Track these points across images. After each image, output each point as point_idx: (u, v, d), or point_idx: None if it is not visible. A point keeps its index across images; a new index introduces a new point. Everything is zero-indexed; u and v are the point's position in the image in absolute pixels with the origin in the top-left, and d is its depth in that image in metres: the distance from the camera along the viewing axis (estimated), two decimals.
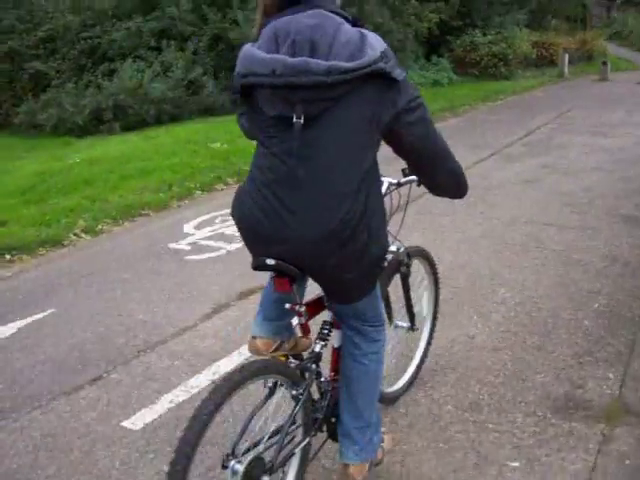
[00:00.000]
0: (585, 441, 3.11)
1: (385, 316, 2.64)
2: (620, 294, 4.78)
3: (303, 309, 2.41)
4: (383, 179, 2.73)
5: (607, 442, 3.11)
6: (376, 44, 2.05)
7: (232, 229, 6.46)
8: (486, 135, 11.54)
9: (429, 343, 3.66)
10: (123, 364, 4.05)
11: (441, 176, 2.43)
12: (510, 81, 20.40)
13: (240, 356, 4.04)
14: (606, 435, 3.16)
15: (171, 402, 3.61)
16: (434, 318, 3.66)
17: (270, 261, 2.22)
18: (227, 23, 14.43)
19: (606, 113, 14.03)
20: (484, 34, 20.87)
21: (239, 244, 6.01)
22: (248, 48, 2.13)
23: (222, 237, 6.31)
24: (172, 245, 6.16)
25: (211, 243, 6.17)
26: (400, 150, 2.29)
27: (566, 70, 23.75)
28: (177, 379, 3.84)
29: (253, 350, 2.69)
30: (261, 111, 2.13)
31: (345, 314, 2.49)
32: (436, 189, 2.57)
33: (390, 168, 2.99)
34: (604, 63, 24.14)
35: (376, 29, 15.99)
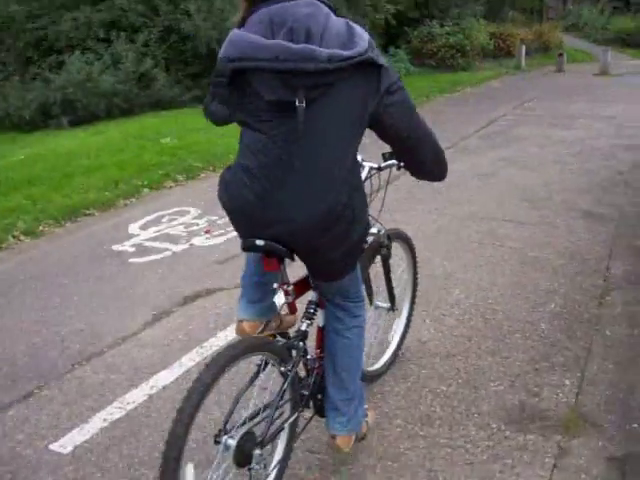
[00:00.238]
0: (541, 455, 2.95)
1: (364, 293, 2.76)
2: (577, 293, 4.65)
3: (291, 288, 2.50)
4: (364, 164, 2.88)
5: (563, 455, 2.95)
6: (363, 35, 2.18)
7: (179, 229, 6.22)
8: (444, 127, 11.30)
9: (408, 324, 3.80)
10: (56, 379, 3.79)
11: (424, 159, 2.53)
12: (468, 72, 20.34)
13: (181, 367, 3.82)
14: (563, 448, 3.00)
15: (104, 421, 3.37)
16: (412, 300, 3.80)
17: (260, 242, 2.30)
18: (179, 14, 14.06)
19: (564, 105, 14.01)
20: (442, 25, 20.74)
21: (185, 245, 5.78)
22: (240, 33, 2.17)
23: (168, 238, 6.03)
24: (115, 247, 5.87)
25: (156, 244, 5.89)
26: (384, 134, 2.39)
27: (523, 62, 23.80)
28: (112, 395, 3.60)
29: (240, 333, 2.80)
30: (254, 95, 2.17)
31: (329, 292, 2.61)
32: (419, 172, 2.65)
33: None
34: (560, 55, 24.25)
35: None
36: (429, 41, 20.38)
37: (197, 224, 6.38)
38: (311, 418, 2.86)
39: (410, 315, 3.79)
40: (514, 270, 5.08)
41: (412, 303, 3.80)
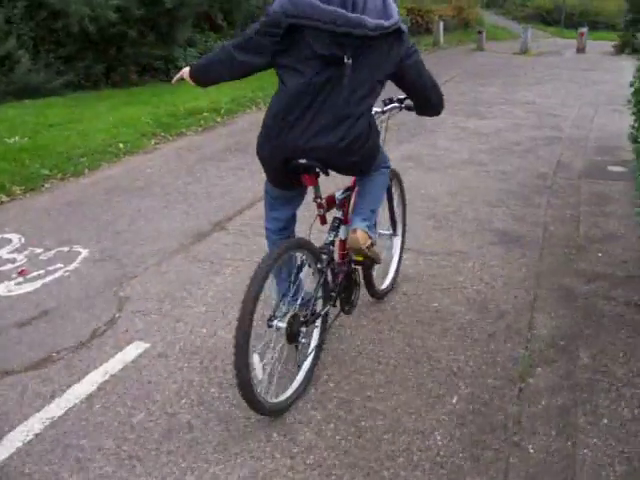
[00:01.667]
0: None
1: (386, 153, 3.43)
2: (490, 375, 3.35)
3: (324, 201, 3.25)
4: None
5: None
6: (395, 7, 2.82)
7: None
8: None
9: (403, 247, 4.37)
10: None
11: (431, 98, 3.19)
12: None
13: None
14: None
15: None
16: (404, 225, 4.36)
17: (303, 161, 2.93)
18: None
19: (482, 87, 12.85)
20: None
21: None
22: None
23: None
24: None
25: None
26: (403, 85, 3.10)
27: (442, 39, 22.69)
28: None
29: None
30: (306, 47, 2.73)
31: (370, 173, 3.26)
32: (425, 109, 3.32)
33: None
34: (480, 32, 23.30)
35: None
36: None
37: (14, 260, 4.86)
38: (338, 314, 3.53)
39: (404, 239, 4.37)
40: (404, 335, 3.75)
41: (404, 228, 4.37)
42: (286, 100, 2.82)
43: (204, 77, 3.20)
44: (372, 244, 3.26)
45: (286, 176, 3.10)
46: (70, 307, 4.13)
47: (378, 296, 4.08)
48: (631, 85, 6.55)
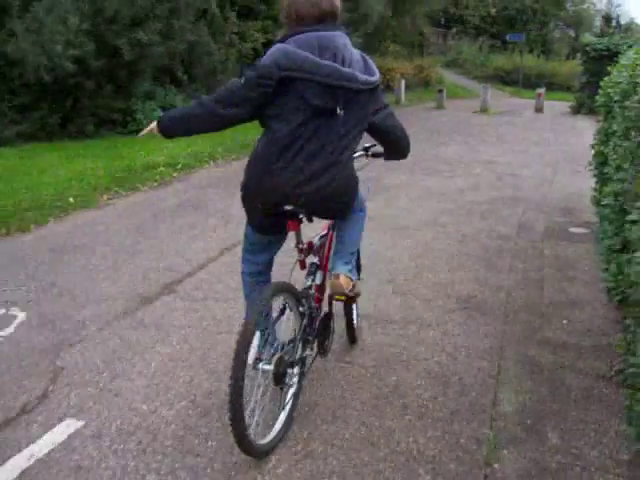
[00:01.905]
0: None
1: (365, 198, 3.55)
2: (452, 460, 3.09)
3: (305, 246, 3.40)
4: None
5: None
6: (374, 64, 3.05)
7: None
8: None
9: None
10: None
11: (402, 143, 3.38)
12: None
13: None
14: None
15: None
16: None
17: (288, 207, 3.05)
18: (5, 35, 11.95)
19: (442, 146, 12.86)
20: None
21: None
22: (295, 49, 2.84)
23: None
24: None
25: None
26: (378, 132, 3.24)
27: (403, 97, 22.91)
28: None
29: None
30: (298, 98, 2.87)
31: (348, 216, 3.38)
32: (395, 154, 3.46)
33: None
34: (440, 91, 23.61)
35: (191, 49, 14.10)
36: None
37: None
38: (315, 356, 3.53)
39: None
40: (359, 413, 3.48)
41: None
42: (276, 146, 2.94)
43: (175, 129, 3.17)
44: (354, 286, 3.42)
45: (270, 221, 3.22)
46: None
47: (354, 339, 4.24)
48: (592, 147, 6.50)
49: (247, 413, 2.90)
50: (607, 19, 48.37)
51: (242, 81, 2.91)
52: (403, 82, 23.17)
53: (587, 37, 28.28)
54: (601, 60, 21.53)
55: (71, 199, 7.70)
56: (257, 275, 3.51)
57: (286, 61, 2.81)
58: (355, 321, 4.22)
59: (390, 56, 29.82)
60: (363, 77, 2.91)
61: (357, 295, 3.64)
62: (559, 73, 34.96)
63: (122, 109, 12.64)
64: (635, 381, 3.07)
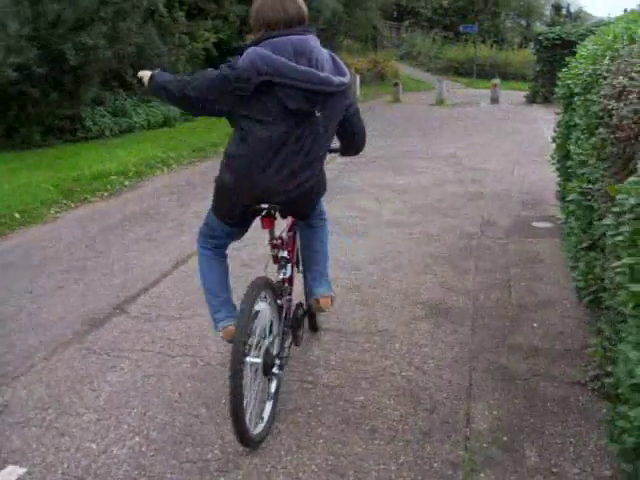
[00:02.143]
0: None
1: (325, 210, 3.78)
2: None
3: (280, 242, 3.54)
4: None
5: None
6: (343, 64, 3.20)
7: None
8: None
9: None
10: None
11: (359, 142, 3.57)
12: None
13: None
14: None
15: None
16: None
17: (264, 205, 3.19)
18: None
19: (401, 141, 12.69)
20: None
21: None
22: (272, 55, 2.92)
23: None
24: None
25: None
26: (342, 132, 3.42)
27: (358, 91, 22.69)
28: None
29: (230, 336, 3.26)
30: (273, 101, 2.98)
31: (312, 217, 3.60)
32: (350, 151, 3.65)
33: None
34: (396, 84, 23.53)
35: (140, 51, 13.72)
36: None
37: None
38: (290, 344, 3.66)
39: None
40: (325, 440, 3.24)
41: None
42: (254, 147, 3.05)
43: (158, 93, 3.29)
44: (332, 299, 3.80)
45: (240, 216, 3.34)
46: None
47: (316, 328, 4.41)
48: (553, 141, 6.35)
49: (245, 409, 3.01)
50: (557, 8, 48.93)
51: (217, 74, 3.01)
52: (358, 77, 22.94)
53: (539, 27, 28.46)
54: (554, 49, 21.68)
55: (17, 214, 7.35)
56: (216, 249, 3.59)
57: (265, 66, 2.91)
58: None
59: (344, 51, 29.66)
60: (337, 80, 3.05)
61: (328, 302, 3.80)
62: (512, 62, 35.15)
63: (70, 116, 12.20)
64: (615, 392, 2.89)
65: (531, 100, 22.47)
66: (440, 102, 21.47)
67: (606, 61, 4.24)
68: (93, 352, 4.24)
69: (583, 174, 4.58)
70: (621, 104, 3.11)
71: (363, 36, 34.81)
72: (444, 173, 9.73)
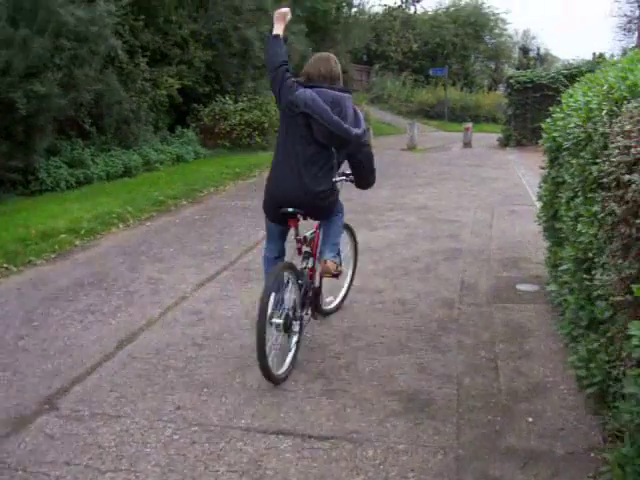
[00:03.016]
0: None
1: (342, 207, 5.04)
2: None
3: (302, 238, 4.81)
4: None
5: None
6: (362, 117, 4.62)
7: None
8: (224, 233, 8.93)
9: (352, 279, 6.01)
10: None
11: (370, 177, 5.04)
12: (268, 152, 18.19)
13: None
14: None
15: None
16: (354, 268, 6.05)
17: (290, 209, 4.49)
18: None
19: (371, 191, 12.02)
20: (236, 101, 18.54)
21: None
22: (317, 98, 4.33)
23: None
24: None
25: None
26: (356, 164, 4.87)
27: None
28: None
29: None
30: (307, 129, 4.37)
31: (330, 217, 4.83)
32: (364, 184, 5.13)
33: None
34: (367, 129, 23.07)
35: (99, 98, 13.13)
36: (222, 119, 17.99)
37: None
38: (309, 317, 4.99)
39: (352, 277, 6.02)
40: None
41: (354, 270, 6.04)
42: (280, 165, 4.59)
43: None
44: (338, 266, 4.84)
45: (277, 215, 4.68)
46: None
47: (326, 314, 5.53)
48: (539, 198, 5.81)
49: (268, 353, 4.18)
50: (525, 51, 49.35)
51: (281, 70, 4.55)
52: None
53: (508, 69, 28.36)
54: (525, 92, 21.54)
55: None
56: (275, 260, 4.90)
57: (312, 105, 4.33)
58: (335, 304, 5.74)
59: None
60: (354, 132, 4.45)
61: (340, 272, 4.98)
62: (483, 105, 35.17)
63: (22, 168, 11.45)
64: None
65: (504, 143, 22.20)
66: (412, 147, 21.07)
67: (605, 117, 3.70)
68: (7, 467, 3.52)
69: (580, 242, 4.01)
70: (637, 177, 2.54)
71: None
72: (416, 227, 9.13)
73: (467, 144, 21.87)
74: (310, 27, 25.14)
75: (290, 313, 4.42)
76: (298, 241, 4.79)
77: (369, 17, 38.58)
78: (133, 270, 7.12)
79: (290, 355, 4.52)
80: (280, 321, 4.29)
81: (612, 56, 34.05)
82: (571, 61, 26.46)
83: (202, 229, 9.19)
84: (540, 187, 5.91)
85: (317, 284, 5.06)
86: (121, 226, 9.44)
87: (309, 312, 4.93)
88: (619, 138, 2.95)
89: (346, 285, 5.90)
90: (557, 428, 3.80)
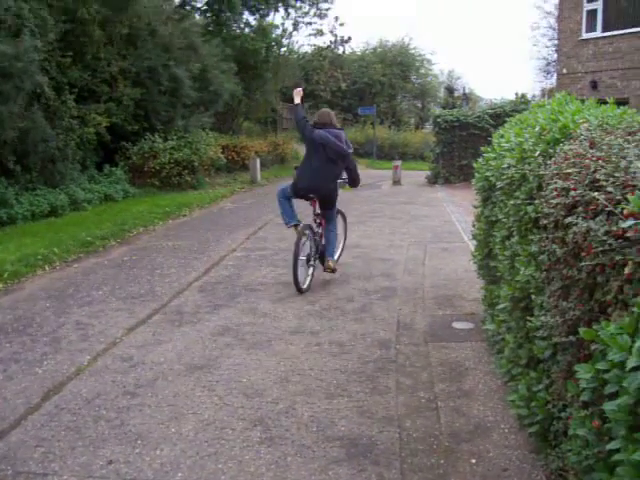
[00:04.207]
0: None
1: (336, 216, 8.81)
2: None
3: (320, 213, 8.28)
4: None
5: None
6: (349, 141, 8.34)
7: None
8: (154, 274, 8.70)
9: (343, 246, 9.49)
10: None
11: (357, 180, 8.52)
12: (198, 191, 17.98)
13: None
14: None
15: None
16: (345, 237, 9.60)
17: (312, 195, 8.06)
18: None
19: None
20: (165, 139, 18.32)
21: None
22: (327, 135, 7.87)
23: None
24: None
25: None
26: (348, 171, 8.35)
27: (259, 175, 22.18)
28: None
29: (298, 231, 7.93)
30: (323, 152, 7.80)
31: (329, 210, 8.34)
32: (354, 184, 8.52)
33: None
34: (296, 168, 23.02)
35: (24, 136, 12.78)
36: (151, 157, 17.70)
37: None
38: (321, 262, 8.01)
39: (343, 245, 9.53)
40: None
41: (344, 241, 9.55)
42: (310, 170, 7.92)
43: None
44: (335, 264, 8.16)
45: (301, 197, 8.15)
46: None
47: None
48: (473, 237, 5.85)
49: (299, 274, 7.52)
50: (450, 90, 50.65)
51: (304, 123, 8.05)
52: (258, 160, 22.48)
53: (434, 108, 28.90)
54: (452, 131, 22.00)
55: None
56: (286, 198, 8.17)
57: (325, 139, 7.75)
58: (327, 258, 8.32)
59: (244, 133, 29.31)
60: (348, 151, 7.91)
61: (336, 270, 8.15)
62: (410, 143, 35.72)
63: None
64: None
65: (432, 181, 22.55)
66: (341, 186, 21.15)
67: (539, 158, 3.74)
68: None
69: (517, 281, 4.02)
70: (578, 219, 2.54)
71: (263, 118, 34.68)
72: (349, 266, 9.10)
73: (397, 182, 22.11)
74: (240, 66, 25.19)
75: (310, 253, 7.85)
76: (316, 215, 8.25)
77: (298, 56, 38.91)
78: (60, 315, 6.84)
79: (308, 279, 7.82)
80: (304, 258, 7.73)
81: (534, 97, 35.17)
82: (494, 100, 27.18)
83: (132, 270, 8.93)
84: (474, 226, 5.96)
85: (323, 243, 8.18)
86: (47, 268, 9.10)
87: (317, 258, 8.09)
88: (556, 179, 2.96)
89: (339, 250, 9.10)
90: (501, 469, 3.76)
